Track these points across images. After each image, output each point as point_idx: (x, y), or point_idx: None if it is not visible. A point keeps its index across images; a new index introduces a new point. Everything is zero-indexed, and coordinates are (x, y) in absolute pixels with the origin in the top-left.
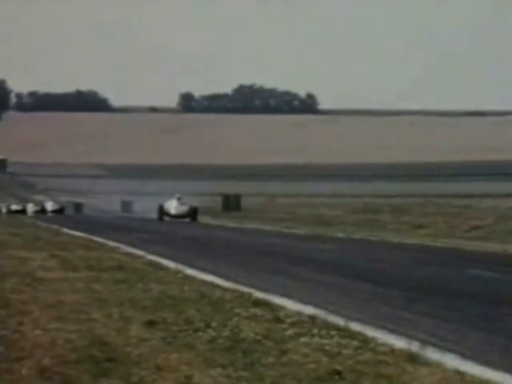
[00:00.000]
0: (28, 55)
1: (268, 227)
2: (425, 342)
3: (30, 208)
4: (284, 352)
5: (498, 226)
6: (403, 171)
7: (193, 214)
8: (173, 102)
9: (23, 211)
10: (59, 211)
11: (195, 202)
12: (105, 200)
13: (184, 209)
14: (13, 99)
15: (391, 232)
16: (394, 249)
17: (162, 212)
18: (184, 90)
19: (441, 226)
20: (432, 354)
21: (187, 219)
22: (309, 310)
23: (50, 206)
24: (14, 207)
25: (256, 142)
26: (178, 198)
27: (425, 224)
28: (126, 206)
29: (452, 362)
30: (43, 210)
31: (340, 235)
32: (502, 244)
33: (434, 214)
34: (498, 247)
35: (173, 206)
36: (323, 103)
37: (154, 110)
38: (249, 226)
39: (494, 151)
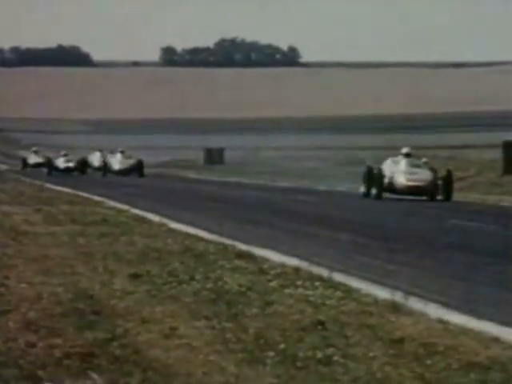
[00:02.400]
0: (9, 10)
1: (251, 180)
2: (408, 293)
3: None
4: (268, 303)
5: (480, 177)
6: (386, 123)
7: (139, 168)
8: (155, 55)
9: (47, 165)
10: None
11: (174, 156)
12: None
13: (129, 163)
14: None
15: None
16: (376, 200)
17: (106, 168)
18: (166, 44)
19: None
20: (415, 304)
21: (134, 174)
22: (292, 261)
23: (61, 162)
24: (34, 159)
25: (238, 96)
26: (122, 152)
27: None
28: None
29: (435, 311)
30: (50, 167)
31: (322, 188)
32: (483, 195)
33: None
34: (479, 198)
35: (116, 161)
36: (306, 56)
37: (136, 64)
38: (231, 179)
39: (476, 102)
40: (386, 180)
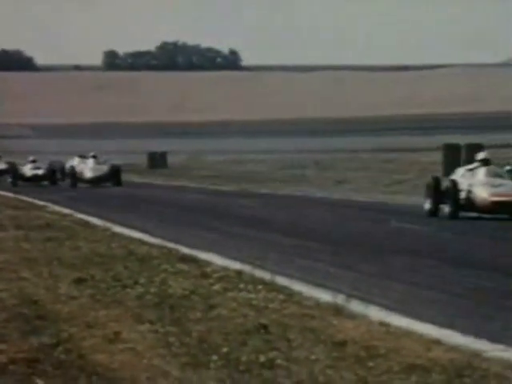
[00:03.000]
0: None
1: (194, 184)
2: (350, 296)
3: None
4: (211, 307)
5: (420, 179)
6: (327, 126)
7: (115, 175)
8: (97, 59)
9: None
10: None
11: (117, 160)
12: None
13: (103, 170)
14: None
15: (315, 187)
16: (317, 204)
17: (75, 177)
18: (108, 48)
19: (363, 180)
20: (357, 307)
21: (108, 183)
22: (235, 265)
23: (28, 169)
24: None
25: (180, 100)
26: (93, 157)
27: (348, 179)
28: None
29: (377, 314)
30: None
31: (265, 191)
32: (423, 197)
33: (358, 169)
34: (419, 200)
35: (88, 168)
36: (246, 59)
37: (78, 68)
38: (175, 183)
39: (416, 105)
40: (463, 195)
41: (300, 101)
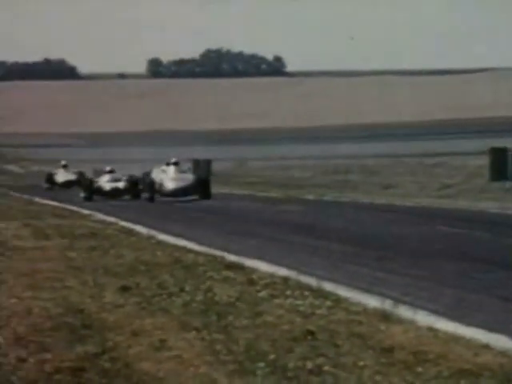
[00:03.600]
0: None
1: (239, 191)
2: (398, 301)
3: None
4: (258, 314)
5: (467, 184)
6: (373, 132)
7: (203, 186)
8: (141, 67)
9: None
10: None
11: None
12: (78, 168)
13: (188, 179)
14: None
15: (361, 193)
16: (364, 209)
17: (153, 190)
18: (152, 56)
19: (411, 185)
20: (405, 312)
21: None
22: (282, 271)
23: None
24: (63, 177)
25: (225, 107)
26: (175, 164)
27: (395, 184)
28: (98, 174)
29: (425, 319)
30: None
31: (311, 197)
32: (471, 202)
33: (404, 174)
34: (467, 204)
35: (168, 178)
36: (291, 65)
37: (122, 76)
38: (220, 190)
39: (460, 110)
40: None
41: (344, 106)
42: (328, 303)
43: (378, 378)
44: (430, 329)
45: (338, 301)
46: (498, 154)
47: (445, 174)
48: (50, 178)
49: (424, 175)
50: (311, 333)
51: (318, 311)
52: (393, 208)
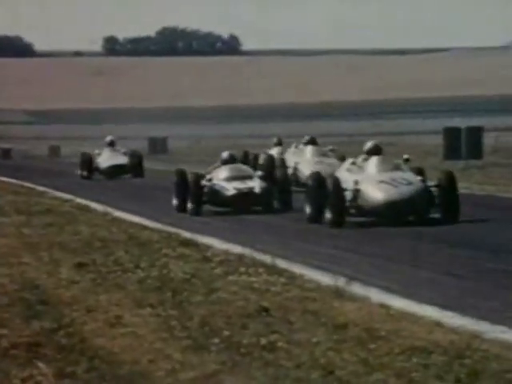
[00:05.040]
0: None
1: (194, 169)
2: (350, 278)
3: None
4: (212, 290)
5: (421, 163)
6: (327, 110)
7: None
8: (97, 45)
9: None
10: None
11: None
12: (33, 146)
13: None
14: None
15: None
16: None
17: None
18: (107, 34)
19: None
20: (358, 290)
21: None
22: (236, 248)
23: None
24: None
25: (180, 85)
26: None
27: None
28: (53, 151)
29: (378, 296)
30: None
31: None
32: None
33: (359, 153)
34: None
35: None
36: (246, 44)
37: (78, 54)
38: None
39: (415, 89)
40: None
41: (299, 85)
42: (282, 280)
43: (330, 354)
44: (383, 306)
45: (292, 278)
46: (452, 134)
47: (399, 153)
48: (87, 162)
49: None
50: (265, 309)
51: (273, 288)
52: None
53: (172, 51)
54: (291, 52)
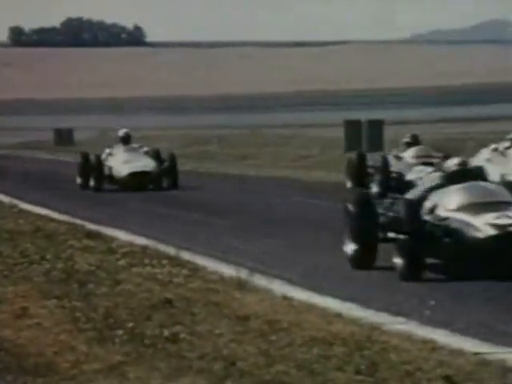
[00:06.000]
0: None
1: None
2: (253, 270)
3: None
4: (117, 282)
5: (323, 155)
6: (229, 103)
7: None
8: (2, 35)
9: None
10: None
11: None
12: None
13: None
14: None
15: (218, 163)
16: (219, 179)
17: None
18: (13, 24)
19: (267, 156)
20: (260, 281)
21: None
22: (140, 240)
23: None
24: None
25: (85, 76)
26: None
27: (251, 155)
28: None
29: (280, 288)
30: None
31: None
32: (326, 172)
33: (261, 145)
34: (322, 175)
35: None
36: (151, 35)
37: None
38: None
39: (315, 81)
40: None
41: (202, 77)
42: (185, 272)
43: (233, 345)
44: (285, 298)
45: (195, 269)
46: (353, 126)
47: (301, 145)
48: (93, 167)
49: (280, 146)
50: (169, 301)
51: (176, 280)
52: (248, 178)
53: (77, 42)
54: (195, 44)
